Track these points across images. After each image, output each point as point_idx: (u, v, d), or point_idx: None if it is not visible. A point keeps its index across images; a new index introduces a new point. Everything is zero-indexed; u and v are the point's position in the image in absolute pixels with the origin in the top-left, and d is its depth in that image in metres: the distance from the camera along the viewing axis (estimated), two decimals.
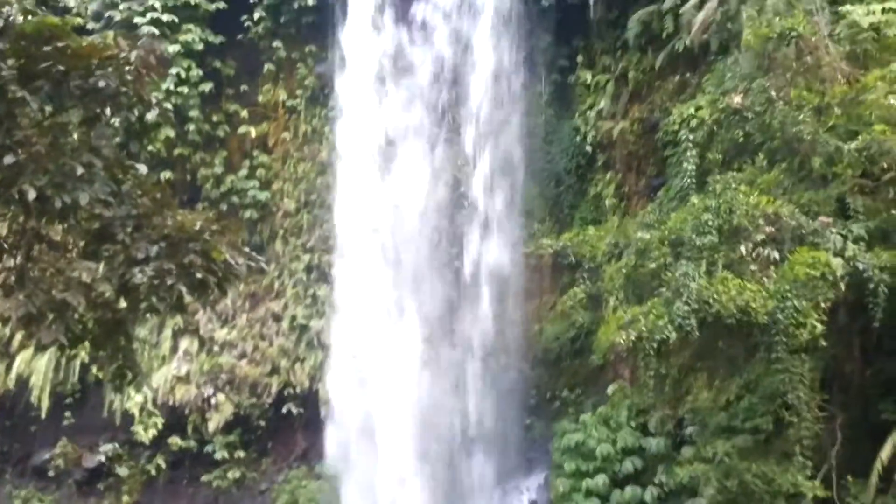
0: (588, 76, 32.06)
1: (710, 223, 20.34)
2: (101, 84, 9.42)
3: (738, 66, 23.05)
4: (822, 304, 19.22)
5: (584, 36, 32.26)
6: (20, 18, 10.50)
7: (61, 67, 9.38)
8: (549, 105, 33.25)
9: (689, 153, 23.69)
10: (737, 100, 22.11)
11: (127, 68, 9.70)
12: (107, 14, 33.51)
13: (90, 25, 32.94)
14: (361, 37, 33.93)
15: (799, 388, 19.30)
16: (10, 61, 9.26)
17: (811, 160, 20.70)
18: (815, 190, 20.82)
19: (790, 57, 21.76)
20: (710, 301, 19.27)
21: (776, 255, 20.07)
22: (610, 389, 28.75)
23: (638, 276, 22.08)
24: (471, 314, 32.53)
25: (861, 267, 19.27)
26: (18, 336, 28.12)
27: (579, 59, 32.45)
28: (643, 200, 29.24)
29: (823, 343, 19.21)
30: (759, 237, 20.27)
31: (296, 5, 34.53)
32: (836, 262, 19.34)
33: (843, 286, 19.37)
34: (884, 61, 21.84)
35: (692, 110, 25.01)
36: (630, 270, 22.27)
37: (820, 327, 19.02)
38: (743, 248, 20.21)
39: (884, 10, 22.36)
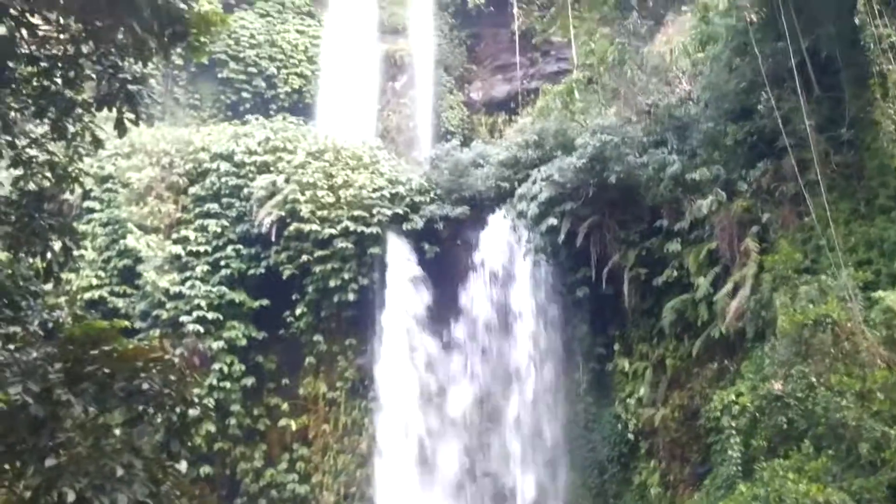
0: (626, 364, 32.11)
1: None
2: (145, 386, 9.64)
3: (775, 352, 23.04)
4: None
5: (619, 325, 32.61)
6: (69, 321, 10.88)
7: (107, 370, 9.62)
8: (588, 393, 33.18)
9: (732, 440, 23.30)
10: (777, 386, 21.96)
11: (170, 369, 9.94)
12: (154, 313, 34.62)
13: (137, 325, 33.96)
14: (398, 337, 34.82)
15: None
16: (58, 365, 9.52)
17: (858, 446, 20.25)
18: (864, 477, 20.20)
19: (827, 343, 21.79)
20: None
21: None
22: None
23: None
24: None
25: None
26: None
27: (616, 347, 32.63)
28: (689, 489, 28.44)
29: None
30: None
31: (336, 300, 35.53)
32: None
33: None
34: None
35: (733, 397, 24.78)
36: None
37: None
38: None
39: None
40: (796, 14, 25.89)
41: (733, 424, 23.43)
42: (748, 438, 22.95)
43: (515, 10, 53.97)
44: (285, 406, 36.35)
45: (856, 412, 20.28)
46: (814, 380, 21.16)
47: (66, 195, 13.00)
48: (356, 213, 35.85)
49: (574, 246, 31.40)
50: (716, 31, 29.97)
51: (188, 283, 35.20)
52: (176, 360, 10.01)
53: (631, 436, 31.39)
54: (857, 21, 23.81)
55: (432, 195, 36.70)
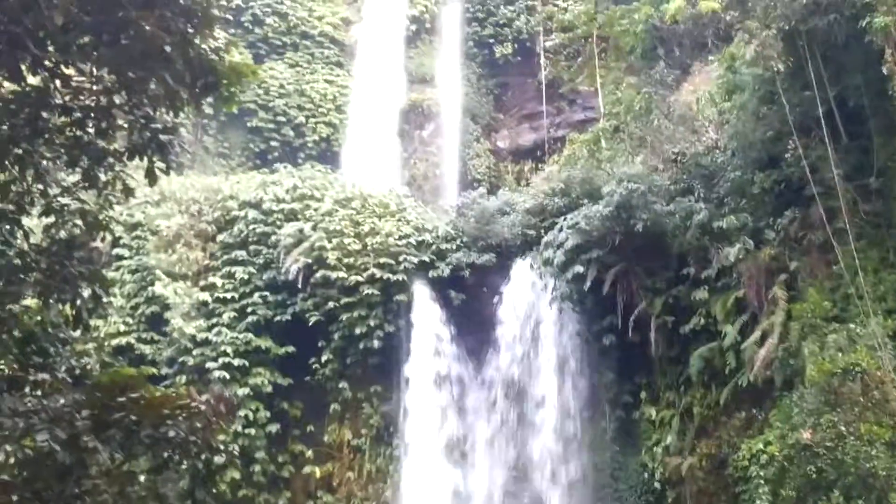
0: (652, 412, 31.83)
1: None
2: (171, 433, 9.68)
3: (804, 401, 22.85)
4: None
5: (646, 372, 32.36)
6: (97, 368, 10.97)
7: (134, 417, 9.68)
8: (614, 441, 32.86)
9: (761, 490, 23.07)
10: (806, 435, 21.76)
11: (197, 417, 9.99)
12: (180, 359, 34.74)
13: (164, 371, 34.09)
14: (424, 384, 34.78)
15: None
16: (85, 412, 9.59)
17: (889, 496, 20.00)
18: None
19: (857, 392, 21.61)
20: None
21: None
22: None
23: None
24: None
25: None
26: None
27: (643, 395, 32.34)
28: None
29: None
30: None
31: (361, 346, 35.48)
32: None
33: None
34: None
35: (761, 446, 24.59)
36: None
37: None
38: None
39: None
40: (823, 63, 25.99)
41: (762, 474, 23.23)
42: (777, 488, 22.70)
43: (542, 60, 54.39)
44: (310, 453, 36.20)
45: (886, 462, 20.09)
46: (843, 429, 20.98)
47: (96, 243, 13.15)
48: (383, 260, 35.93)
49: (600, 294, 31.30)
50: (742, 80, 30.09)
51: (215, 330, 35.32)
52: (202, 407, 10.06)
53: (658, 485, 31.04)
54: (884, 70, 23.86)
55: (458, 243, 36.71)
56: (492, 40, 55.96)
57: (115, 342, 34.79)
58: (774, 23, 26.37)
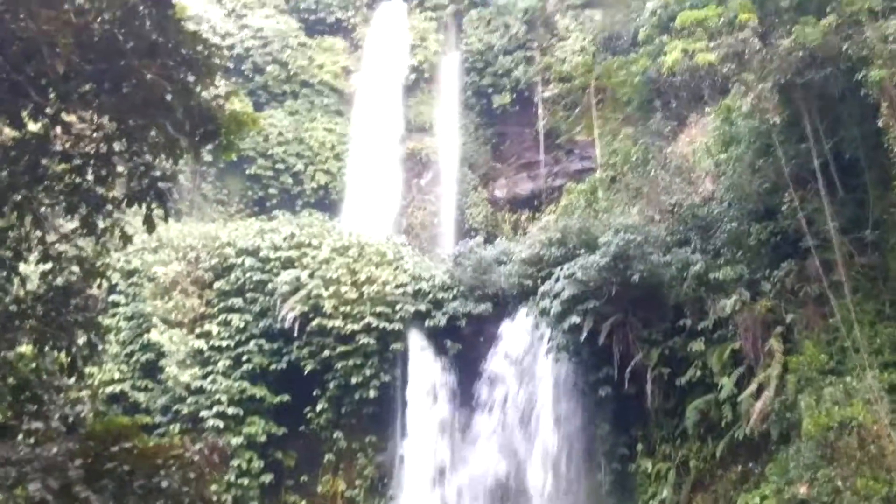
0: (648, 465, 31.58)
1: None
2: (164, 484, 9.61)
3: (800, 455, 22.76)
4: None
5: (642, 425, 32.19)
6: (91, 416, 10.92)
7: (126, 467, 9.61)
8: (610, 494, 32.58)
9: None
10: (802, 490, 21.67)
11: (190, 467, 9.92)
12: (174, 408, 34.62)
13: (158, 419, 33.97)
14: (420, 435, 34.59)
15: None
16: (78, 461, 9.52)
17: None
18: None
19: (853, 446, 21.54)
20: None
21: None
22: None
23: None
24: None
25: None
26: None
27: (639, 447, 32.16)
28: None
29: None
30: None
31: (357, 396, 35.36)
32: None
33: None
34: None
35: (758, 500, 24.45)
36: None
37: None
38: None
39: None
40: (819, 116, 26.20)
41: None
42: None
43: (540, 111, 54.67)
44: None
45: None
46: (839, 484, 20.89)
47: (93, 289, 13.12)
48: (379, 309, 35.89)
49: (596, 344, 31.21)
50: (739, 132, 30.28)
51: (210, 378, 35.18)
52: (195, 457, 10.01)
53: None
54: (880, 123, 24.06)
55: (455, 292, 36.67)
56: (490, 90, 56.25)
57: (109, 389, 34.67)
58: (770, 76, 26.60)
